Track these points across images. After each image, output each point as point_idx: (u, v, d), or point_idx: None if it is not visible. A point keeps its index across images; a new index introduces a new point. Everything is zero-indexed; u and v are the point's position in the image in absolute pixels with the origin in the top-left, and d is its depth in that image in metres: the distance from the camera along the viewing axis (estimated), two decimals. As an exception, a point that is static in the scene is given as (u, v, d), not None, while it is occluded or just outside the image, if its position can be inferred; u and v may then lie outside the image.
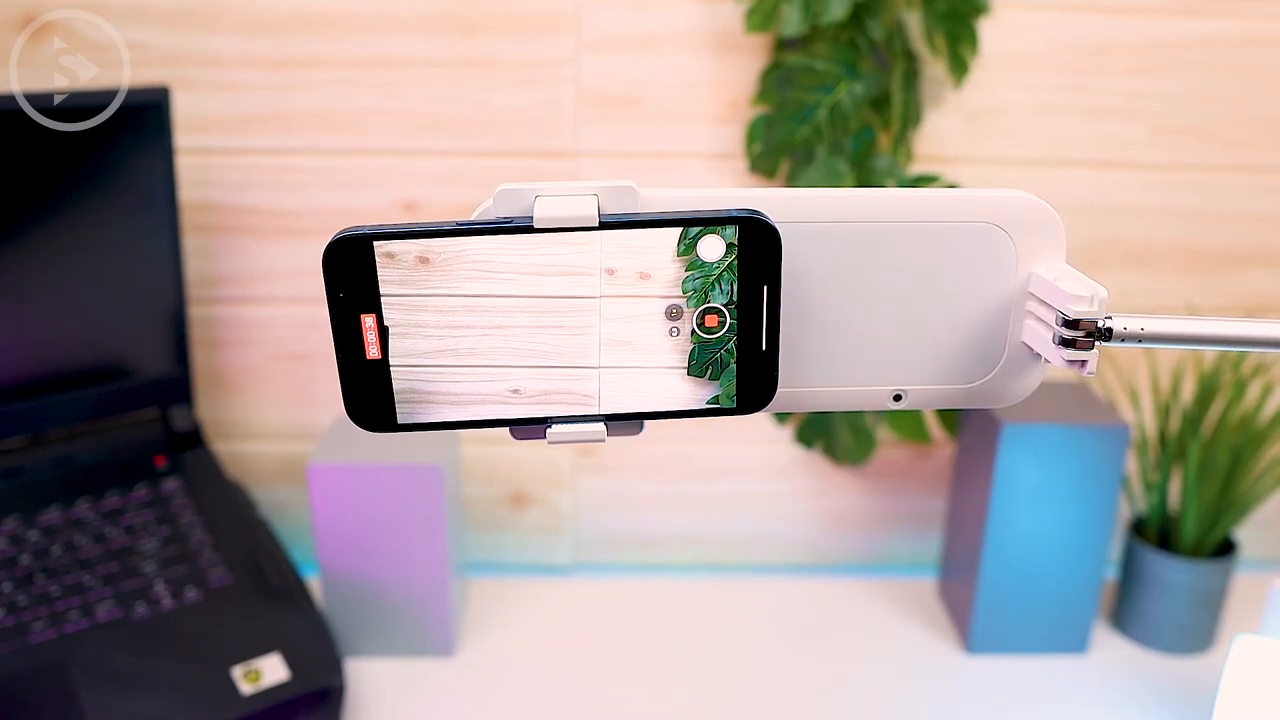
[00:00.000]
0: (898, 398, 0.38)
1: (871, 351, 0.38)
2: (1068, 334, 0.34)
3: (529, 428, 0.36)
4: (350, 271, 0.34)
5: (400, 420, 0.36)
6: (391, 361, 0.35)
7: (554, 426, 0.36)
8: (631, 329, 0.35)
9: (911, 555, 1.00)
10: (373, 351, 0.35)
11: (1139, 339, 0.35)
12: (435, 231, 0.34)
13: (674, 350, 0.35)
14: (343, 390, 0.35)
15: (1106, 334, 0.34)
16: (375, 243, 0.33)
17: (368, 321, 0.34)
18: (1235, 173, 0.90)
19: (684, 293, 0.35)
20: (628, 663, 0.85)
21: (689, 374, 0.36)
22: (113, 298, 0.82)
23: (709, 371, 0.36)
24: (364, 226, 0.33)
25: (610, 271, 0.34)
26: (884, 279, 0.37)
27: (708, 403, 0.36)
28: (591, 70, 0.85)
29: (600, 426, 0.36)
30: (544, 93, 0.86)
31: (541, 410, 0.36)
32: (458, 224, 0.34)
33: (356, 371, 0.35)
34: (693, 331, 0.35)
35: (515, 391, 0.36)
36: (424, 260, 0.34)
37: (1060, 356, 0.35)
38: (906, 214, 0.36)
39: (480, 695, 0.81)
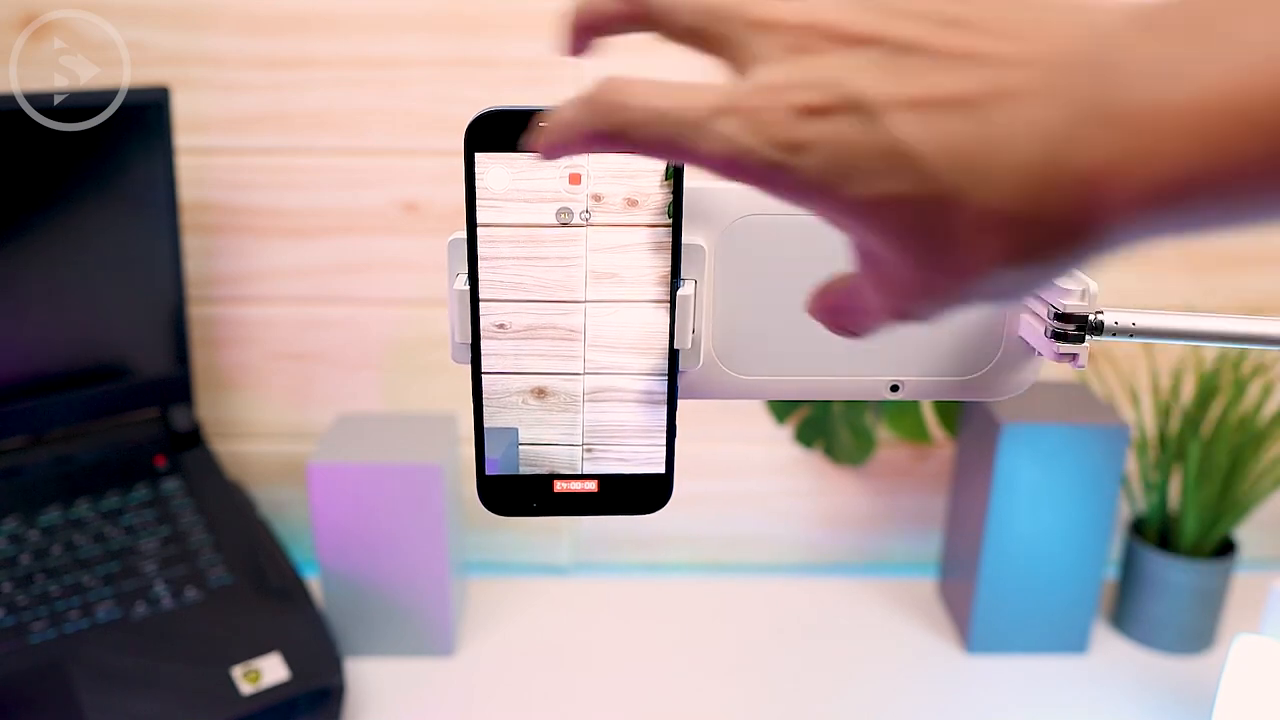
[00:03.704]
0: (894, 388, 0.38)
1: (869, 342, 0.38)
2: (1059, 327, 0.34)
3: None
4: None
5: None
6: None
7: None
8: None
9: (911, 555, 1.00)
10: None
11: (1130, 333, 0.35)
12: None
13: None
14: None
15: (1098, 327, 0.34)
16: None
17: None
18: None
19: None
20: (628, 663, 0.85)
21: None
22: (113, 298, 0.83)
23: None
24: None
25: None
26: None
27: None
28: (592, 70, 0.85)
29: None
30: (545, 92, 0.86)
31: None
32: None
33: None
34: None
35: (500, 326, 0.35)
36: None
37: (1052, 349, 0.35)
38: None
39: (480, 695, 0.81)
